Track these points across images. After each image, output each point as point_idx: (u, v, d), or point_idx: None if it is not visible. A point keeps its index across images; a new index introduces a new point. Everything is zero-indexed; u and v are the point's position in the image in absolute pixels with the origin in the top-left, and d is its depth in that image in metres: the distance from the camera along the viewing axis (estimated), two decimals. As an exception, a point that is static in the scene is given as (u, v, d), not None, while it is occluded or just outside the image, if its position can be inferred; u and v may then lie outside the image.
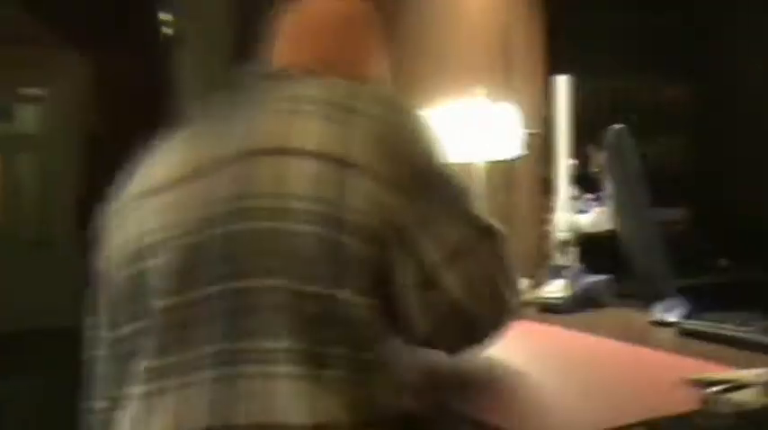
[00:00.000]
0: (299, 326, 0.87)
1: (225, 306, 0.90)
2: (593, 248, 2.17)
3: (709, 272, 2.70)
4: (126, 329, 0.97)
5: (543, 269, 1.83)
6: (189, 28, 2.55)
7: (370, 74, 1.16)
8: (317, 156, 0.92)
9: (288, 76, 1.05)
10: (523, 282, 1.71)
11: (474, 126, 1.71)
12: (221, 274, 0.91)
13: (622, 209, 1.74)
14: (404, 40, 1.92)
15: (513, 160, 1.80)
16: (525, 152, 2.00)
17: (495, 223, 1.05)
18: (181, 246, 0.94)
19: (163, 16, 2.69)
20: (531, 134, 1.90)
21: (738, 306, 1.67)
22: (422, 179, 0.94)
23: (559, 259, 1.98)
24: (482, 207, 1.03)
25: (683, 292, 1.72)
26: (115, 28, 2.60)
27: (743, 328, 1.31)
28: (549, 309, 1.70)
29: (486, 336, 1.04)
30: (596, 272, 2.04)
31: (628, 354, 1.27)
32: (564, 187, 1.99)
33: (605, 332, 1.50)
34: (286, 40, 1.14)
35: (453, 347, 1.04)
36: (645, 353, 1.27)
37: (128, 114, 2.38)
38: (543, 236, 2.05)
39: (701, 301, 1.68)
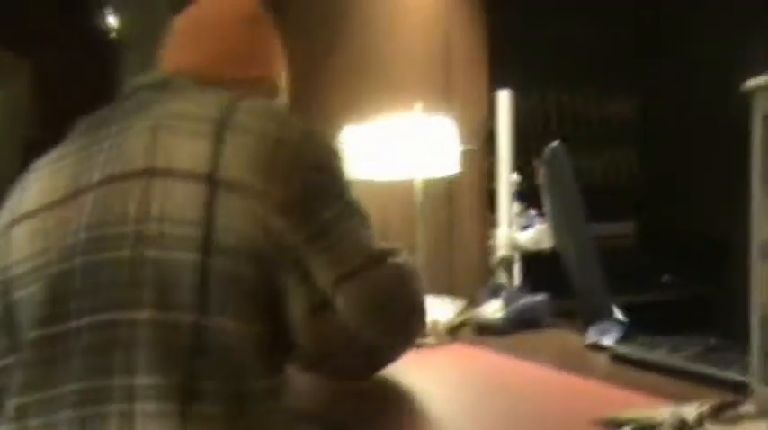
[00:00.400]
0: (168, 360, 0.82)
1: (89, 341, 0.84)
2: (534, 266, 2.15)
3: (652, 288, 2.71)
4: None
5: (481, 288, 1.78)
6: (134, 30, 2.47)
7: (263, 76, 1.09)
8: (185, 175, 0.86)
9: (167, 87, 0.98)
10: (456, 304, 1.67)
11: (411, 142, 1.66)
12: (85, 307, 0.85)
13: (559, 226, 1.71)
14: (342, 49, 1.87)
15: (450, 176, 1.75)
16: (462, 168, 1.96)
17: (395, 248, 0.99)
18: (46, 277, 0.88)
19: (107, 18, 2.61)
20: (469, 150, 1.86)
21: (679, 324, 1.65)
22: (311, 200, 0.88)
23: (500, 277, 1.95)
24: (373, 233, 0.96)
25: (626, 310, 1.71)
26: (57, 30, 2.51)
27: (675, 355, 1.27)
28: (485, 330, 1.65)
29: (381, 362, 0.99)
30: (537, 290, 2.02)
31: (554, 384, 1.23)
32: (505, 203, 1.96)
33: (539, 356, 1.46)
34: (174, 44, 1.08)
35: (348, 373, 1.00)
36: (572, 382, 1.23)
37: (70, 119, 2.29)
38: (485, 253, 2.02)
39: (641, 320, 1.66)
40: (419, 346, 1.57)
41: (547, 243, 1.82)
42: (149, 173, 0.87)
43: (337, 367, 0.95)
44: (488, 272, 1.95)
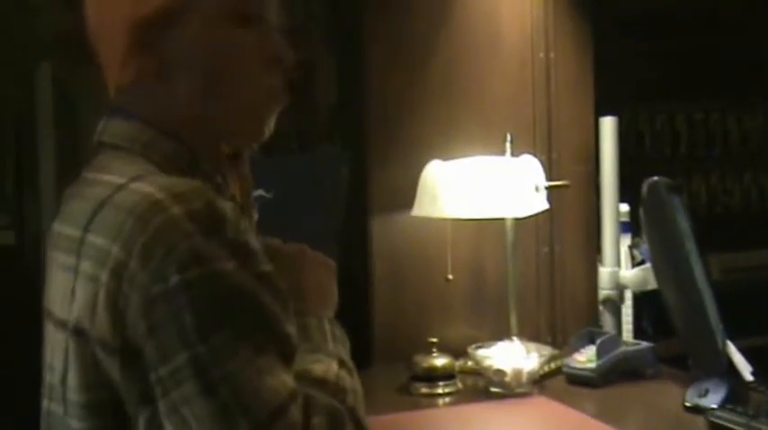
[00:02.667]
0: None
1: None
2: (640, 307, 1.97)
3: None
4: None
5: (578, 332, 1.66)
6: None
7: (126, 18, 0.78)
8: (56, 323, 0.76)
9: (100, 146, 0.82)
10: (543, 351, 1.56)
11: (498, 179, 1.58)
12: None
13: (659, 269, 1.55)
14: (429, 77, 1.80)
15: (537, 214, 1.64)
16: (565, 203, 1.84)
17: (287, 398, 0.68)
18: None
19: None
20: (561, 185, 1.73)
21: None
22: (151, 348, 0.68)
23: (604, 320, 1.80)
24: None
25: (754, 353, 1.52)
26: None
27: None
28: (577, 381, 1.53)
29: None
30: (659, 332, 1.85)
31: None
32: (610, 237, 1.82)
33: (627, 418, 1.33)
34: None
35: None
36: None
37: None
38: (592, 293, 1.87)
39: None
40: (499, 396, 1.49)
41: (655, 283, 1.66)
42: (47, 316, 0.80)
43: None
44: (596, 314, 1.81)
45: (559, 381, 1.56)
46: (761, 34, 2.66)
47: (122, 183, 0.73)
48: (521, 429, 1.31)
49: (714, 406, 1.29)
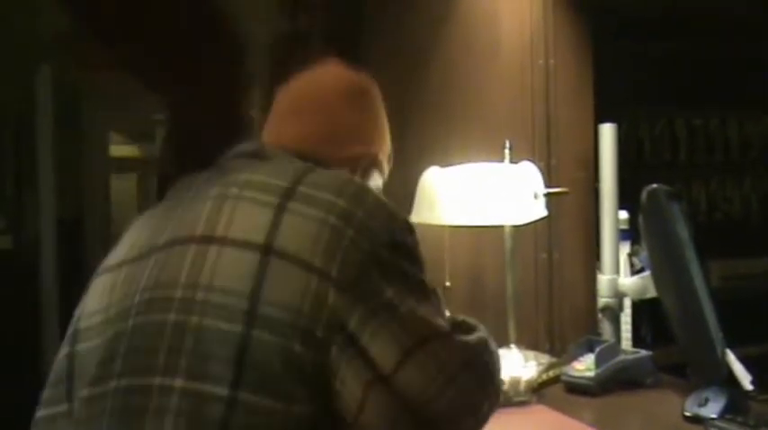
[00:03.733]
0: None
1: (121, 404, 0.83)
2: (639, 315, 1.96)
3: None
4: (41, 413, 0.93)
5: (577, 340, 1.65)
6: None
7: (363, 153, 1.07)
8: (240, 244, 0.85)
9: (257, 156, 0.98)
10: (542, 359, 1.55)
11: (496, 186, 1.57)
12: (125, 369, 0.85)
13: (659, 277, 1.54)
14: (428, 84, 1.80)
15: (536, 221, 1.64)
16: (565, 209, 1.84)
17: (466, 322, 0.96)
18: (104, 335, 0.89)
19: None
20: (560, 193, 1.72)
21: None
22: (372, 278, 0.84)
23: (603, 328, 1.79)
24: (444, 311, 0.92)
25: (754, 361, 1.51)
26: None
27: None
28: (576, 390, 1.52)
29: None
30: (659, 339, 1.84)
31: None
32: (609, 244, 1.81)
33: (626, 427, 1.32)
34: (275, 116, 1.08)
35: None
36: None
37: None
38: (592, 301, 1.87)
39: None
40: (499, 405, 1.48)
41: (654, 291, 1.66)
42: (206, 239, 0.87)
43: None
44: (587, 322, 1.81)
45: (558, 390, 1.55)
46: (761, 38, 2.66)
47: (310, 165, 0.93)
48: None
49: (714, 415, 1.28)
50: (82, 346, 0.91)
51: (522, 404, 1.47)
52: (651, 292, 1.67)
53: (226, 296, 0.82)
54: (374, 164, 1.09)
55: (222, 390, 0.79)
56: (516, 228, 1.65)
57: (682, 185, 2.69)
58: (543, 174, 1.66)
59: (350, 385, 0.81)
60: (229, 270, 0.84)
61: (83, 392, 0.88)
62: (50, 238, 2.11)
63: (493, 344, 0.95)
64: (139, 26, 1.84)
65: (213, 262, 0.85)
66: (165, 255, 0.89)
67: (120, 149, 2.30)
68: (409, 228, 0.90)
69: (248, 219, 0.86)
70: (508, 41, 1.85)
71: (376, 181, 1.11)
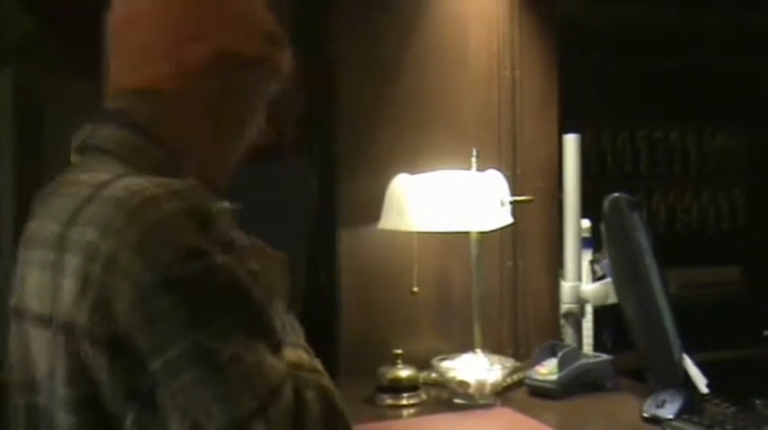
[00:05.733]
0: None
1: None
2: (600, 321, 2.01)
3: (753, 342, 2.48)
4: None
5: (540, 345, 1.69)
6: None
7: (197, 54, 0.81)
8: (35, 320, 0.77)
9: (85, 149, 0.82)
10: (506, 363, 1.58)
11: (463, 193, 1.60)
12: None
13: (620, 284, 1.59)
14: (395, 90, 1.83)
15: (503, 228, 1.67)
16: (530, 217, 1.88)
17: (283, 381, 0.72)
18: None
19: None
20: (525, 200, 1.77)
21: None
22: (138, 345, 0.69)
23: (565, 333, 1.84)
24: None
25: (715, 367, 1.56)
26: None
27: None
28: (539, 393, 1.56)
29: None
30: (620, 344, 1.88)
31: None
32: (572, 252, 1.85)
33: (588, 427, 1.36)
34: (107, 57, 0.86)
35: None
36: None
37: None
38: (551, 306, 1.91)
39: (734, 378, 1.51)
40: (463, 407, 1.51)
41: (614, 297, 1.70)
42: (19, 314, 0.80)
43: None
44: (550, 327, 1.85)
45: (522, 393, 1.59)
46: (720, 54, 2.75)
47: (108, 179, 0.75)
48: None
49: (670, 416, 1.33)
50: None
51: (487, 406, 1.50)
52: (612, 299, 1.72)
53: (37, 372, 0.77)
54: (226, 61, 0.82)
55: None
56: (482, 234, 1.68)
57: (642, 196, 2.76)
58: (509, 182, 1.70)
59: None
60: (42, 355, 0.76)
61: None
62: (10, 242, 2.09)
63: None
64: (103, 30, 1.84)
65: (30, 340, 0.78)
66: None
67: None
68: (191, 253, 0.70)
69: (37, 286, 0.77)
70: (476, 51, 1.89)
71: (254, 81, 0.86)
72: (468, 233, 1.69)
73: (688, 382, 1.45)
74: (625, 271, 1.55)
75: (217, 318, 0.70)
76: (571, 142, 1.86)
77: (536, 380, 1.56)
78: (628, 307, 1.56)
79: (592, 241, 1.93)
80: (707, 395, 1.47)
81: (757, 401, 1.41)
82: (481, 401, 1.51)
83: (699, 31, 2.71)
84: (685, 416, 1.30)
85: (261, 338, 0.72)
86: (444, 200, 1.60)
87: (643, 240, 1.51)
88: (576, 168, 1.85)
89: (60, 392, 0.73)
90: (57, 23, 1.89)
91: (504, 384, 1.58)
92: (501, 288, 1.89)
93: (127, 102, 0.82)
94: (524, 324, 1.90)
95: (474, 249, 1.70)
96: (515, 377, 1.62)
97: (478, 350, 1.64)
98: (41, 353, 0.76)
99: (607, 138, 2.76)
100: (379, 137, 1.80)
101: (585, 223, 1.91)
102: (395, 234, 1.66)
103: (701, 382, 1.49)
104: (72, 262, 0.73)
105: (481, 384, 1.52)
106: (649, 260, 1.50)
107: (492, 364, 1.57)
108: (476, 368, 1.55)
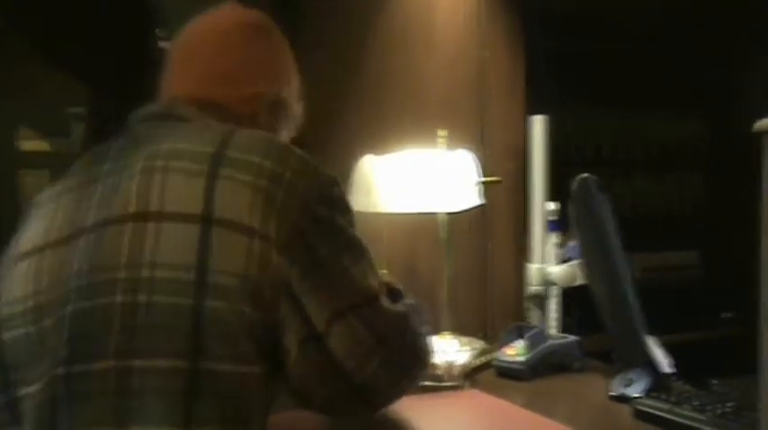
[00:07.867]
0: (165, 407, 0.79)
1: (74, 392, 0.81)
2: (585, 299, 2.02)
3: (712, 324, 2.52)
4: None
5: (507, 327, 1.68)
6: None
7: (259, 92, 1.03)
8: (178, 218, 0.84)
9: (166, 119, 0.96)
10: (475, 344, 1.58)
11: (432, 174, 1.59)
12: (71, 357, 0.82)
13: (589, 264, 1.59)
14: (363, 72, 1.80)
15: (472, 209, 1.67)
16: (498, 199, 1.87)
17: (395, 286, 1.00)
18: (36, 322, 0.86)
19: (159, 33, 2.63)
20: (494, 181, 1.76)
21: (738, 364, 1.50)
22: (308, 236, 0.85)
23: (531, 315, 1.84)
24: (377, 269, 0.93)
25: (677, 349, 1.57)
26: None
27: (697, 415, 1.15)
28: (508, 374, 1.55)
29: (376, 403, 0.93)
30: (586, 326, 1.89)
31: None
32: (538, 234, 1.86)
33: (557, 407, 1.36)
34: (169, 70, 1.04)
35: (341, 411, 0.94)
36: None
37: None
38: (518, 288, 1.91)
39: (695, 360, 1.52)
40: (432, 389, 1.50)
41: (581, 279, 1.71)
42: (142, 216, 0.85)
43: (330, 403, 0.90)
44: (517, 309, 1.85)
45: (490, 375, 1.58)
46: (684, 40, 2.77)
47: (230, 128, 0.92)
48: (453, 420, 1.31)
49: (638, 394, 1.33)
50: (8, 335, 0.88)
51: (455, 388, 1.49)
52: (579, 280, 1.72)
53: (172, 271, 0.82)
54: (278, 103, 1.05)
55: (182, 363, 0.79)
56: (451, 216, 1.67)
57: (606, 181, 2.77)
58: (477, 163, 1.69)
59: (289, 341, 0.84)
60: (171, 245, 0.83)
61: (28, 386, 0.85)
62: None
63: (421, 312, 0.98)
64: (61, 15, 1.77)
65: (153, 239, 0.83)
66: (98, 236, 0.86)
67: (32, 144, 2.22)
68: (334, 181, 0.92)
69: (181, 191, 0.85)
70: (443, 32, 1.87)
71: (288, 125, 1.09)
72: (436, 214, 1.68)
73: (654, 362, 1.46)
74: (593, 250, 1.55)
75: (354, 240, 0.91)
76: (538, 123, 1.86)
77: (504, 361, 1.56)
78: (595, 286, 1.56)
79: (558, 224, 1.93)
80: (671, 375, 1.49)
81: (714, 382, 1.43)
82: (450, 383, 1.50)
83: (661, 17, 2.73)
84: (653, 394, 1.31)
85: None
86: (413, 180, 1.59)
87: (609, 221, 1.52)
88: (543, 149, 1.85)
89: (218, 281, 0.81)
90: (7, 9, 1.82)
91: (473, 366, 1.57)
92: (469, 270, 1.88)
93: (189, 110, 0.96)
94: (492, 306, 1.90)
95: (443, 231, 1.69)
96: (483, 359, 1.61)
97: (447, 332, 1.63)
98: (177, 247, 0.83)
99: (571, 122, 2.77)
100: (345, 117, 1.78)
101: (552, 205, 1.91)
102: (363, 215, 1.63)
103: (664, 362, 1.50)
104: (231, 173, 0.85)
105: (450, 366, 1.50)
106: (615, 241, 1.51)
107: (461, 346, 1.56)
108: (444, 350, 1.54)
